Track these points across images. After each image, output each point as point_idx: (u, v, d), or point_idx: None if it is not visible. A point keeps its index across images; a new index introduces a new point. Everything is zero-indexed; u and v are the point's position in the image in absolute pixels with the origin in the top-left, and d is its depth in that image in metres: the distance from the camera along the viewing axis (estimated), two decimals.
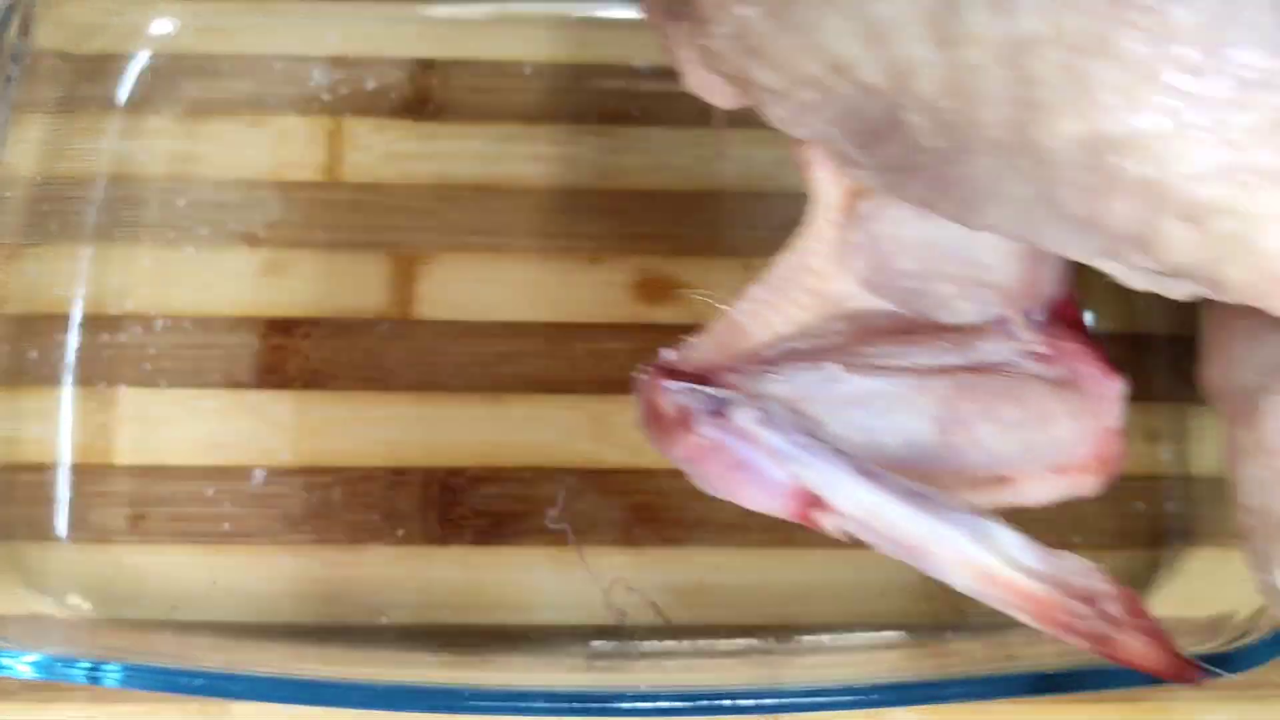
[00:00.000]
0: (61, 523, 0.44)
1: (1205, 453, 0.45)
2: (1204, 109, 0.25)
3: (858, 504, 0.24)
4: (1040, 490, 0.32)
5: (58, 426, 0.45)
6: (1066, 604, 0.25)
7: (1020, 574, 0.25)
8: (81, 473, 0.44)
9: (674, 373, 0.24)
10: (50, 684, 0.41)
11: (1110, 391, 0.33)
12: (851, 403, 0.26)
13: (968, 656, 0.42)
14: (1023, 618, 0.27)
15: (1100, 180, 0.27)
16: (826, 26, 0.28)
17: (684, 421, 0.22)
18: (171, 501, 0.44)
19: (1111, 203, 0.27)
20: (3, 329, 0.45)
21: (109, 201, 0.48)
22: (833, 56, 0.28)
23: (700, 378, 0.24)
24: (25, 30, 0.45)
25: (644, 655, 0.43)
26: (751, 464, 0.23)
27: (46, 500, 0.44)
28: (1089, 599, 0.25)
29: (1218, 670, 0.34)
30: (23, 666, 0.37)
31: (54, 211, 0.47)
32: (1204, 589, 0.43)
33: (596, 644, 0.43)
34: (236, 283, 0.46)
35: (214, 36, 0.48)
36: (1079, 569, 0.26)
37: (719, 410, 0.23)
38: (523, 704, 0.36)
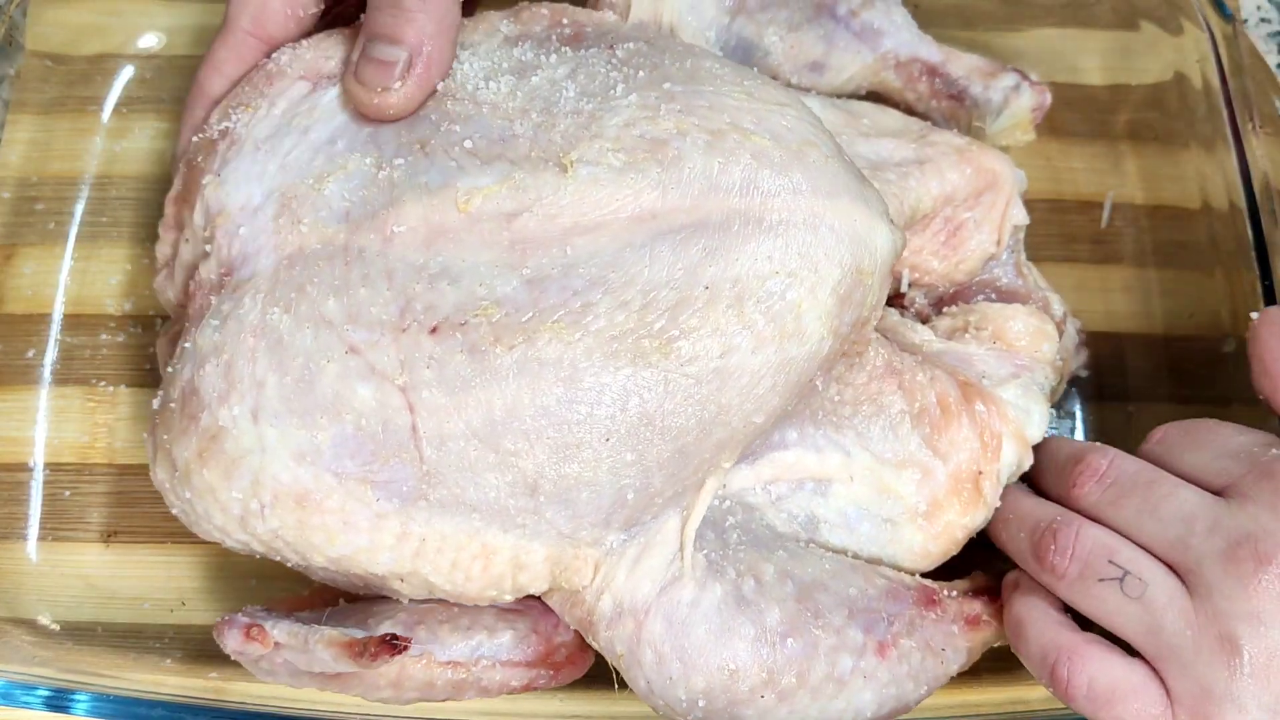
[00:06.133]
0: (59, 521, 0.44)
1: None
2: None
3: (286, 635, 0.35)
4: None
5: (59, 425, 0.45)
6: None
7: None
8: (82, 471, 0.44)
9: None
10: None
11: None
12: None
13: None
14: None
15: None
16: None
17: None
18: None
19: None
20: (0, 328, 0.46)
21: (106, 201, 0.48)
22: None
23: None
24: (18, 32, 0.45)
25: None
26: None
27: (47, 498, 0.44)
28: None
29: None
30: None
31: (50, 211, 0.47)
32: None
33: None
34: None
35: (203, 40, 0.48)
36: None
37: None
38: None
